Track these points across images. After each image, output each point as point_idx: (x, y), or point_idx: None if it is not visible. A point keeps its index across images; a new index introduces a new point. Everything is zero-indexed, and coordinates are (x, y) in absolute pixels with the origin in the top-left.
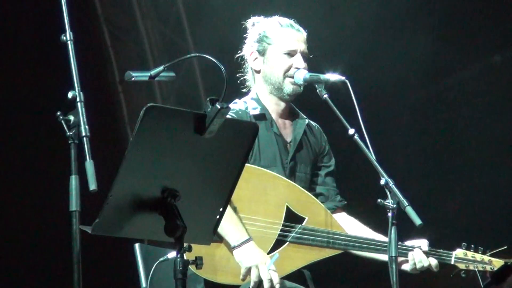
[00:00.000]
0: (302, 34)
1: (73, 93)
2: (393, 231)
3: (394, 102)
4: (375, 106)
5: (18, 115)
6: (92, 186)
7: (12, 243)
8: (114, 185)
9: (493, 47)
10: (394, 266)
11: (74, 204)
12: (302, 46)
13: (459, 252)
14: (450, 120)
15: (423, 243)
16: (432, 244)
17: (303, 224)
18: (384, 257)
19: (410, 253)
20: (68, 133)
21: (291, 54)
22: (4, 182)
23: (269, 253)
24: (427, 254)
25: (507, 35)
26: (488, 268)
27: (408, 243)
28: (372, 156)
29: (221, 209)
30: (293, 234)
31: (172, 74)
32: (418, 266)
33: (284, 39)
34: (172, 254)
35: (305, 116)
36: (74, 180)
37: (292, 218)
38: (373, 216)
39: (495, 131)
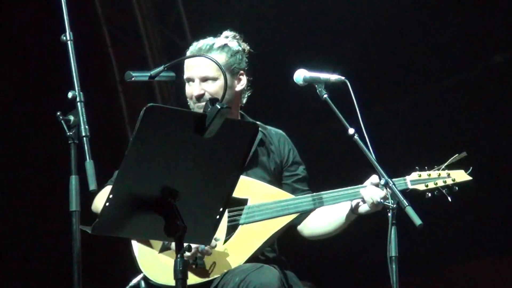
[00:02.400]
0: (201, 59)
1: (73, 93)
2: (393, 231)
3: (394, 101)
4: (374, 105)
5: (18, 115)
6: (92, 186)
7: (12, 243)
8: (114, 185)
9: (493, 47)
10: (394, 266)
11: (74, 204)
12: (198, 71)
13: (412, 176)
14: (450, 120)
15: (373, 177)
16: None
17: (248, 204)
18: (336, 219)
19: (362, 191)
20: (68, 133)
21: (191, 81)
22: (4, 182)
23: (225, 242)
24: (381, 187)
25: (507, 35)
26: (449, 181)
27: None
28: (372, 156)
29: (221, 209)
30: (242, 216)
31: (172, 74)
32: (375, 199)
33: (185, 67)
34: (136, 280)
35: (260, 129)
36: (74, 180)
37: (235, 203)
38: (373, 216)
39: (495, 132)
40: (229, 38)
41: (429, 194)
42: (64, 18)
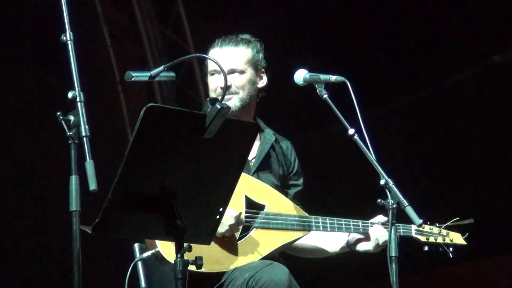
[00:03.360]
0: (228, 51)
1: (73, 93)
2: (393, 231)
3: (394, 101)
4: (374, 106)
5: (18, 115)
6: (92, 186)
7: (12, 243)
8: (114, 185)
9: (493, 47)
10: (394, 266)
11: (74, 204)
12: (226, 64)
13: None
14: (450, 120)
15: (381, 218)
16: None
17: (265, 210)
18: (335, 245)
19: (370, 230)
20: (68, 133)
21: (216, 73)
22: (5, 182)
23: (239, 240)
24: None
25: (507, 35)
26: (447, 240)
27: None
28: (372, 156)
29: (221, 209)
30: (257, 220)
31: (172, 74)
32: (381, 241)
33: (208, 60)
34: (147, 254)
35: (273, 132)
36: (74, 180)
37: (253, 206)
38: (373, 216)
39: (495, 132)
40: (249, 38)
41: (427, 248)
42: (64, 18)
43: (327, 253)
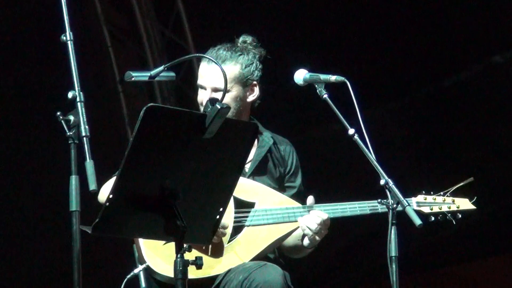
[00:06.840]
0: (214, 69)
1: (73, 93)
2: (393, 231)
3: (394, 101)
4: (374, 105)
5: (18, 115)
6: (92, 186)
7: (12, 243)
8: (114, 185)
9: (493, 47)
10: (394, 266)
11: (74, 204)
12: (210, 82)
13: (418, 198)
14: (450, 120)
15: (309, 200)
16: None
17: (255, 208)
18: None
19: (298, 220)
20: (68, 133)
21: (203, 88)
22: (4, 182)
23: (230, 241)
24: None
25: (507, 35)
26: (454, 208)
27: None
28: (372, 156)
29: (221, 209)
30: (248, 218)
31: (172, 74)
32: (313, 228)
33: (198, 73)
34: (138, 269)
35: (271, 135)
36: (74, 180)
37: (242, 205)
38: (372, 216)
39: (495, 132)
40: (246, 44)
41: (433, 218)
42: (64, 18)
43: (300, 255)
